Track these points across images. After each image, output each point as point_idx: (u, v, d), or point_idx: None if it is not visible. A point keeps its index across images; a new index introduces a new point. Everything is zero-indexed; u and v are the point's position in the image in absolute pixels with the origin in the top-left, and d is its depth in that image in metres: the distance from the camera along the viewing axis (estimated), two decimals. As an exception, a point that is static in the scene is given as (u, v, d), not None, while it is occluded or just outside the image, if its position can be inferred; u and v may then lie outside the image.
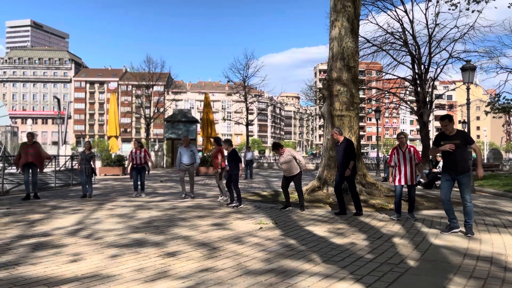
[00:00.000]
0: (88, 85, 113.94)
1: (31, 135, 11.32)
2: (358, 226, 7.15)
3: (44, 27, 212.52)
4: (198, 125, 33.69)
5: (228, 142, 10.28)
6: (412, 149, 7.90)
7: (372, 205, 9.46)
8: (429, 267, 4.62)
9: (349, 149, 8.43)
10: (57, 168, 15.61)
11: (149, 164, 12.37)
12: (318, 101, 45.06)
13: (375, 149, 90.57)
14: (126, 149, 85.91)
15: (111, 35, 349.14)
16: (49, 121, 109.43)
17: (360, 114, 12.41)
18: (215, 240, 5.98)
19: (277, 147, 9.31)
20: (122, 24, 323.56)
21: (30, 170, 11.04)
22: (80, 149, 74.72)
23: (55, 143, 77.19)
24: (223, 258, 4.98)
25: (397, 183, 7.84)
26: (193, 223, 7.41)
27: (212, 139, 11.28)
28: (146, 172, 12.36)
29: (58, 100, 36.28)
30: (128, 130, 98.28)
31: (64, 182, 15.55)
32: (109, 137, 27.88)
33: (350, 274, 4.30)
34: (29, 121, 46.52)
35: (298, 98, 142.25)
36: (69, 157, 18.35)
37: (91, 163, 11.91)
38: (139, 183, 12.14)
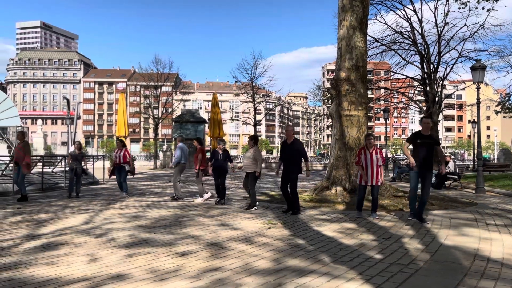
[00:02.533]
0: (97, 86, 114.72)
1: (21, 134, 10.99)
2: (367, 226, 7.12)
3: (53, 28, 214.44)
4: (206, 125, 33.76)
5: (223, 141, 10.65)
6: (378, 150, 8.23)
7: (381, 206, 9.40)
8: (439, 268, 4.59)
9: (302, 148, 8.84)
10: (66, 168, 15.72)
11: (130, 164, 11.95)
12: (326, 101, 45.01)
13: (384, 149, 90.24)
14: (135, 149, 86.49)
15: (120, 36, 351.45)
16: (59, 121, 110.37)
17: (368, 114, 12.35)
18: (224, 240, 5.99)
19: (255, 140, 9.66)
20: (130, 25, 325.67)
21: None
22: (89, 150, 75.12)
23: (64, 143, 77.89)
24: (232, 258, 4.99)
25: (363, 183, 8.16)
26: (202, 223, 7.43)
27: (195, 140, 11.33)
28: (130, 174, 12.08)
29: (68, 101, 36.62)
30: (137, 130, 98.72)
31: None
32: (118, 137, 28.02)
33: (359, 275, 4.29)
34: (39, 121, 46.93)
35: (306, 98, 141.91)
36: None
37: (82, 163, 12.03)
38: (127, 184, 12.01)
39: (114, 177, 12.11)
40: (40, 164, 15.13)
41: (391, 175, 22.16)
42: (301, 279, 4.15)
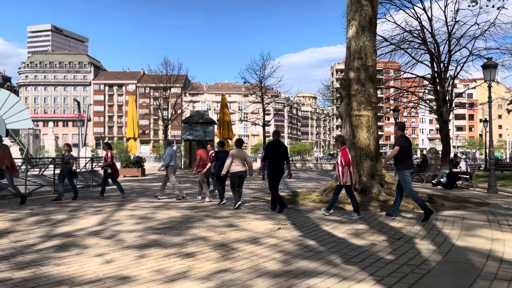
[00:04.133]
0: (107, 88, 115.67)
1: None
2: (378, 227, 7.08)
3: (64, 32, 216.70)
4: (215, 126, 33.87)
5: (220, 144, 11.00)
6: (341, 152, 8.41)
7: (392, 206, 9.33)
8: (451, 269, 4.54)
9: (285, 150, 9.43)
10: (78, 170, 15.89)
11: (105, 162, 12.13)
12: (335, 101, 44.82)
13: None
14: (145, 150, 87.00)
15: (129, 38, 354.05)
16: (70, 123, 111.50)
17: (378, 114, 12.28)
18: (233, 241, 6.00)
19: (240, 143, 9.98)
20: (139, 27, 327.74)
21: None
22: (100, 151, 75.77)
23: (75, 145, 78.65)
24: (242, 259, 4.99)
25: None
26: (211, 224, 7.45)
27: (197, 142, 11.85)
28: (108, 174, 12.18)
29: (78, 103, 36.92)
30: (147, 132, 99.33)
31: (84, 183, 15.82)
32: (128, 139, 28.23)
33: (370, 276, 4.26)
34: (51, 123, 47.48)
35: (315, 98, 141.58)
36: (89, 159, 18.69)
37: (71, 165, 11.75)
38: (105, 188, 12.19)
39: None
40: (52, 166, 15.29)
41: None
42: (311, 280, 4.14)
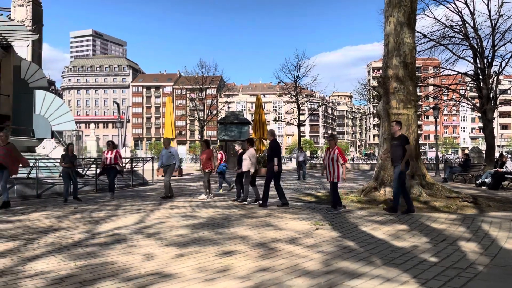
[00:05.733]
0: (145, 90, 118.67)
1: (4, 135, 10.12)
2: (419, 228, 6.87)
3: (104, 36, 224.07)
4: (250, 127, 34.00)
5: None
6: (336, 150, 8.84)
7: (433, 207, 9.06)
8: (500, 272, 4.34)
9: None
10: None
11: (121, 164, 12.29)
12: (372, 99, 43.96)
13: (433, 148, 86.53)
14: (182, 151, 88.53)
15: (166, 41, 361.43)
16: (110, 125, 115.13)
17: (417, 112, 11.94)
18: (271, 241, 5.99)
19: (251, 142, 10.80)
20: (175, 30, 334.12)
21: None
22: (138, 152, 77.54)
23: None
24: (281, 259, 4.97)
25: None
26: (249, 223, 7.47)
27: (202, 142, 12.25)
28: (120, 175, 12.40)
29: (118, 105, 38.11)
30: (183, 132, 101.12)
31: (124, 183, 16.27)
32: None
33: (414, 278, 4.14)
34: (92, 125, 49.15)
35: (350, 97, 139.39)
36: (128, 159, 19.21)
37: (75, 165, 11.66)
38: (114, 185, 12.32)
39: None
40: (93, 166, 15.84)
41: (442, 175, 21.30)
42: (352, 281, 4.06)
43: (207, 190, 11.78)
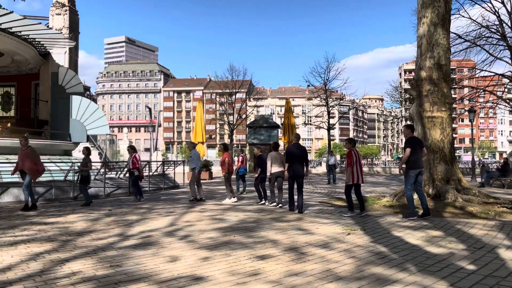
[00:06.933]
0: (175, 95, 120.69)
1: (24, 139, 10.08)
2: (455, 234, 6.66)
3: (136, 42, 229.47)
4: (279, 130, 33.95)
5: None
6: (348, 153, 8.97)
7: (470, 213, 8.76)
8: (544, 282, 4.14)
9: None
10: (150, 173, 16.69)
11: (140, 170, 12.38)
12: (404, 102, 43.05)
13: (469, 152, 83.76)
14: (211, 154, 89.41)
15: (196, 45, 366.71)
16: (142, 129, 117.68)
17: (452, 115, 11.60)
18: (303, 245, 5.94)
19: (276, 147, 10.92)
20: (206, 34, 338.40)
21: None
22: (169, 155, 78.70)
23: (147, 150, 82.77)
24: (312, 263, 4.93)
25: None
26: (279, 227, 7.45)
27: (221, 145, 12.32)
28: (139, 179, 12.39)
29: (150, 110, 38.88)
30: (213, 136, 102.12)
31: (156, 186, 16.57)
32: (196, 144, 29.19)
33: (451, 286, 4.01)
34: (125, 129, 50.39)
35: (382, 100, 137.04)
36: (160, 162, 19.56)
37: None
38: (140, 188, 12.41)
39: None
40: (126, 169, 16.20)
41: (478, 180, 20.58)
42: (386, 288, 3.98)
43: (230, 193, 11.90)
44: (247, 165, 17.67)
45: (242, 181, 14.69)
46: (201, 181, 12.95)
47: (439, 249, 5.60)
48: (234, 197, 11.94)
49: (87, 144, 19.38)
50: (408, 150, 8.29)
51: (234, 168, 13.57)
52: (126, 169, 13.14)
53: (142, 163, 13.10)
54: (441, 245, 5.88)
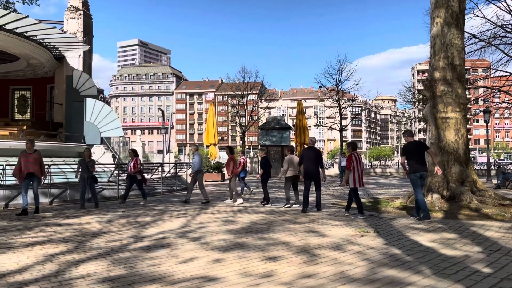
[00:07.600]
0: (188, 97, 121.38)
1: (30, 142, 10.02)
2: (470, 237, 6.57)
3: (149, 45, 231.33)
4: (291, 132, 33.87)
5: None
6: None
7: (485, 215, 8.63)
8: (562, 286, 4.06)
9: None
10: (163, 175, 16.79)
11: (142, 173, 12.34)
12: (417, 103, 42.65)
13: (484, 153, 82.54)
14: (224, 156, 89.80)
15: (208, 48, 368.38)
16: (154, 131, 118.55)
17: (466, 115, 11.45)
18: (315, 247, 5.92)
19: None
20: (218, 37, 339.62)
21: (30, 182, 9.79)
22: (182, 157, 79.10)
23: (160, 152, 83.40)
24: (325, 266, 4.91)
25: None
26: (292, 229, 7.44)
27: (226, 148, 12.45)
28: (143, 182, 12.32)
29: (162, 112, 39.13)
30: (225, 138, 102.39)
31: (169, 187, 16.67)
32: (207, 145, 29.27)
33: (466, 289, 3.96)
34: (138, 131, 50.77)
35: (394, 101, 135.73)
36: (173, 164, 19.68)
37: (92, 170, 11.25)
38: (145, 191, 12.36)
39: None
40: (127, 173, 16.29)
41: (494, 181, 20.26)
42: (400, 290, 3.94)
43: (238, 193, 12.22)
44: (247, 168, 17.58)
45: (240, 183, 14.67)
46: (212, 182, 13.01)
47: (454, 252, 5.54)
48: (240, 199, 12.08)
49: (101, 146, 19.59)
50: (402, 158, 8.73)
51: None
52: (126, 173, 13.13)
53: (154, 165, 13.17)
54: (456, 247, 5.81)
